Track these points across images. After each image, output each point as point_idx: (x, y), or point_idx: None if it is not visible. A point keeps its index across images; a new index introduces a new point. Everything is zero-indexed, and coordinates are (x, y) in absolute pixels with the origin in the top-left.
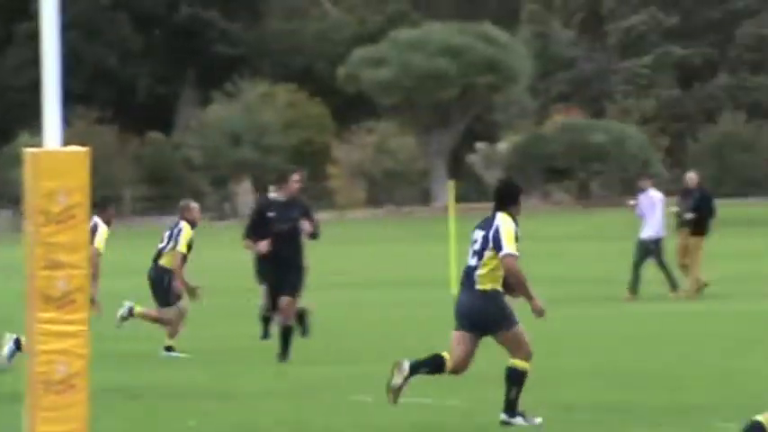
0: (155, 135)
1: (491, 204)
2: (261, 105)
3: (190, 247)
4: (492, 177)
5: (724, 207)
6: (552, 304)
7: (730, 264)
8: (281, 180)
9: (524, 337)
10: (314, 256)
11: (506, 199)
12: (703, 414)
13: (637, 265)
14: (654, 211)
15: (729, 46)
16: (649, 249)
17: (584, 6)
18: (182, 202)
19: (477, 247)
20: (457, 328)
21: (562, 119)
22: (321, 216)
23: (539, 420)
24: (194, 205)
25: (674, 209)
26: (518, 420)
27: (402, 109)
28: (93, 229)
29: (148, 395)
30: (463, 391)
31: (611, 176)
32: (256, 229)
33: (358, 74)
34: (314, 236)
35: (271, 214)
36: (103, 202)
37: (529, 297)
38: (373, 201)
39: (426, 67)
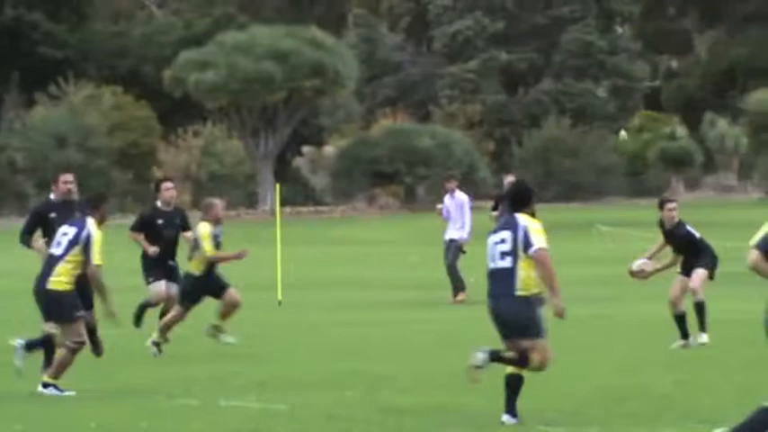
0: None
1: (316, 208)
2: (86, 108)
3: (217, 243)
4: (318, 181)
5: (547, 211)
6: (373, 309)
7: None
8: (54, 181)
9: (547, 346)
10: (136, 259)
11: (519, 203)
12: (526, 417)
13: (452, 267)
14: (462, 212)
15: (554, 52)
16: (457, 248)
17: (411, 11)
18: (205, 201)
19: (506, 247)
20: (503, 337)
21: (388, 123)
22: None
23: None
24: (217, 202)
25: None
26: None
27: (228, 112)
28: (87, 240)
29: None
30: (290, 395)
31: (437, 181)
32: (32, 230)
33: (184, 77)
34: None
35: (52, 215)
36: (98, 199)
37: (554, 292)
38: (199, 204)
39: (253, 70)
